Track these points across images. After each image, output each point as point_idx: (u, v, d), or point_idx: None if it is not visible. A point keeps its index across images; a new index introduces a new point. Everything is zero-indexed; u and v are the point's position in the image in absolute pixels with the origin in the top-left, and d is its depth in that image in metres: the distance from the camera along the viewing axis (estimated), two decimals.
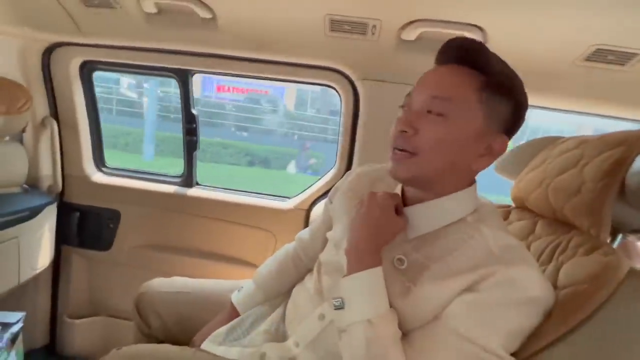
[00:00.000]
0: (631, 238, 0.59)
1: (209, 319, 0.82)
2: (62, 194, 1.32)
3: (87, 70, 1.28)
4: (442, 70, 0.55)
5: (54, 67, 1.23)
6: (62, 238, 1.32)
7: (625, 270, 0.47)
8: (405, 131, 0.53)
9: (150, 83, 7.05)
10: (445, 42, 0.56)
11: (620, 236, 0.59)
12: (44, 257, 1.22)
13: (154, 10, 1.00)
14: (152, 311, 0.88)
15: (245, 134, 7.86)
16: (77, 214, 1.32)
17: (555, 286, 0.52)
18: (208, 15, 0.99)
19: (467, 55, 0.53)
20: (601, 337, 0.45)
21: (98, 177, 1.36)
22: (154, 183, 1.35)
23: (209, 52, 1.16)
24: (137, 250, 1.33)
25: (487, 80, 0.52)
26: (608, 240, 0.55)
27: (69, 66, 1.23)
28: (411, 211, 0.58)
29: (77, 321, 1.35)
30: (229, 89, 7.83)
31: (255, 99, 8.10)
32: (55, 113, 1.28)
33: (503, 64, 0.54)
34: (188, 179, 1.35)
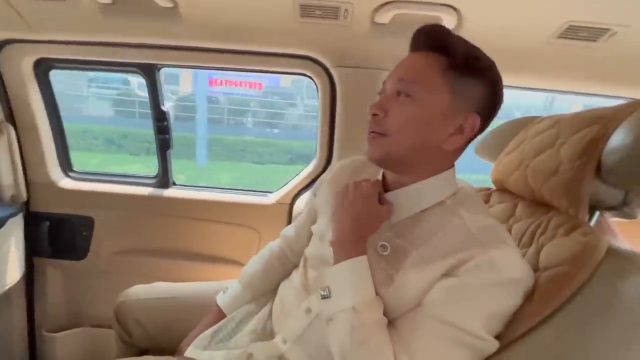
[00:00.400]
0: (608, 215, 0.59)
1: (194, 323, 0.80)
2: (28, 203, 1.24)
3: (42, 68, 1.18)
4: (412, 56, 0.58)
5: (4, 67, 1.13)
6: (32, 250, 1.25)
7: (604, 249, 0.47)
8: (377, 114, 0.55)
9: (200, 82, 6.59)
10: (415, 30, 0.58)
11: (597, 214, 0.60)
12: (13, 271, 1.15)
13: (108, 0, 0.92)
14: (133, 320, 0.85)
15: (276, 130, 7.68)
16: (47, 223, 1.25)
17: (536, 268, 0.52)
18: (169, 4, 0.92)
19: (433, 41, 0.55)
20: (583, 318, 0.45)
21: (66, 182, 1.28)
22: (127, 185, 1.29)
23: (175, 44, 1.09)
24: (115, 256, 1.27)
25: (451, 62, 0.53)
26: (586, 219, 0.56)
27: (21, 65, 1.13)
28: (392, 196, 0.59)
29: (57, 335, 1.29)
30: (221, 82, 7.51)
31: (268, 92, 7.84)
32: (11, 117, 1.18)
33: (470, 46, 0.55)
34: (164, 180, 1.30)
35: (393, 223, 0.58)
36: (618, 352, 0.44)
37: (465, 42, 0.55)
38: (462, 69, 0.53)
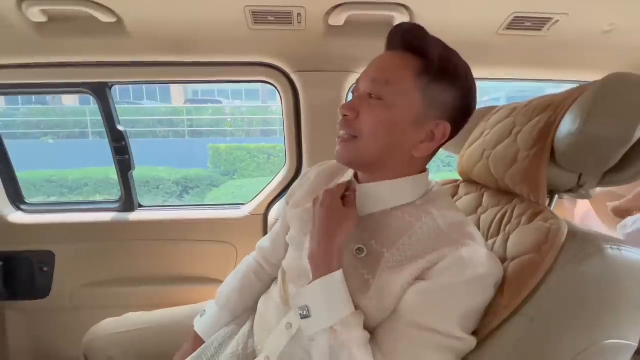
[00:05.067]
0: (566, 197, 0.62)
1: (173, 353, 0.76)
2: None
3: None
4: (387, 55, 0.56)
5: None
6: None
7: (565, 233, 0.48)
8: (347, 115, 0.54)
9: None
10: (392, 29, 0.56)
11: (556, 197, 0.62)
12: None
13: (43, 19, 0.86)
14: (105, 357, 0.79)
15: None
16: (0, 263, 1.14)
17: (505, 258, 0.53)
18: (112, 19, 0.87)
19: (410, 41, 0.53)
20: (552, 305, 0.46)
21: (17, 217, 1.18)
22: (89, 213, 1.21)
23: (125, 60, 1.04)
24: (81, 290, 1.19)
25: (426, 66, 0.52)
26: (546, 204, 0.57)
27: None
28: (361, 189, 0.58)
29: None
30: None
31: None
32: None
33: (448, 50, 0.54)
34: (127, 203, 1.23)
35: (362, 216, 0.57)
36: (590, 335, 0.45)
37: (444, 47, 0.54)
38: (436, 73, 0.52)
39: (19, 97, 6.33)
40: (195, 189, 5.03)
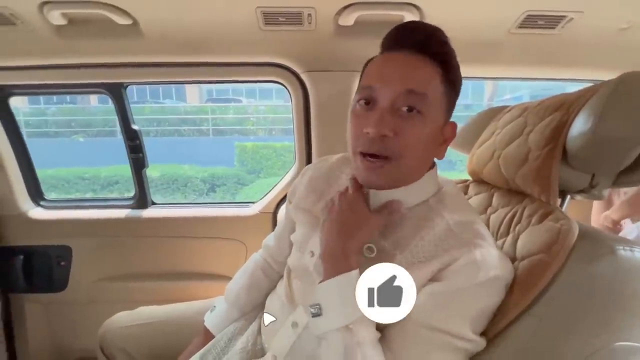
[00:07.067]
0: (578, 198, 0.61)
1: (184, 347, 0.78)
2: None
3: (0, 96, 1.13)
4: (406, 59, 0.50)
5: None
6: (7, 286, 1.19)
7: (576, 234, 0.48)
8: (386, 135, 0.49)
9: None
10: (405, 26, 0.52)
11: (568, 197, 0.61)
12: None
13: (63, 21, 0.89)
14: (118, 349, 0.82)
15: None
16: (20, 257, 1.19)
17: (514, 258, 0.53)
18: (128, 22, 0.90)
19: (429, 44, 0.50)
20: (563, 305, 0.46)
21: (37, 212, 1.23)
22: (104, 209, 1.25)
23: (140, 61, 1.06)
24: (97, 284, 1.23)
25: (447, 75, 0.51)
26: (558, 204, 0.57)
27: None
28: (375, 195, 0.57)
29: None
30: None
31: None
32: None
33: (454, 54, 0.53)
34: (141, 200, 1.26)
35: None
36: (600, 337, 0.44)
37: (454, 51, 0.52)
38: (454, 81, 0.52)
39: (41, 98, 6.50)
40: (221, 187, 5.07)
